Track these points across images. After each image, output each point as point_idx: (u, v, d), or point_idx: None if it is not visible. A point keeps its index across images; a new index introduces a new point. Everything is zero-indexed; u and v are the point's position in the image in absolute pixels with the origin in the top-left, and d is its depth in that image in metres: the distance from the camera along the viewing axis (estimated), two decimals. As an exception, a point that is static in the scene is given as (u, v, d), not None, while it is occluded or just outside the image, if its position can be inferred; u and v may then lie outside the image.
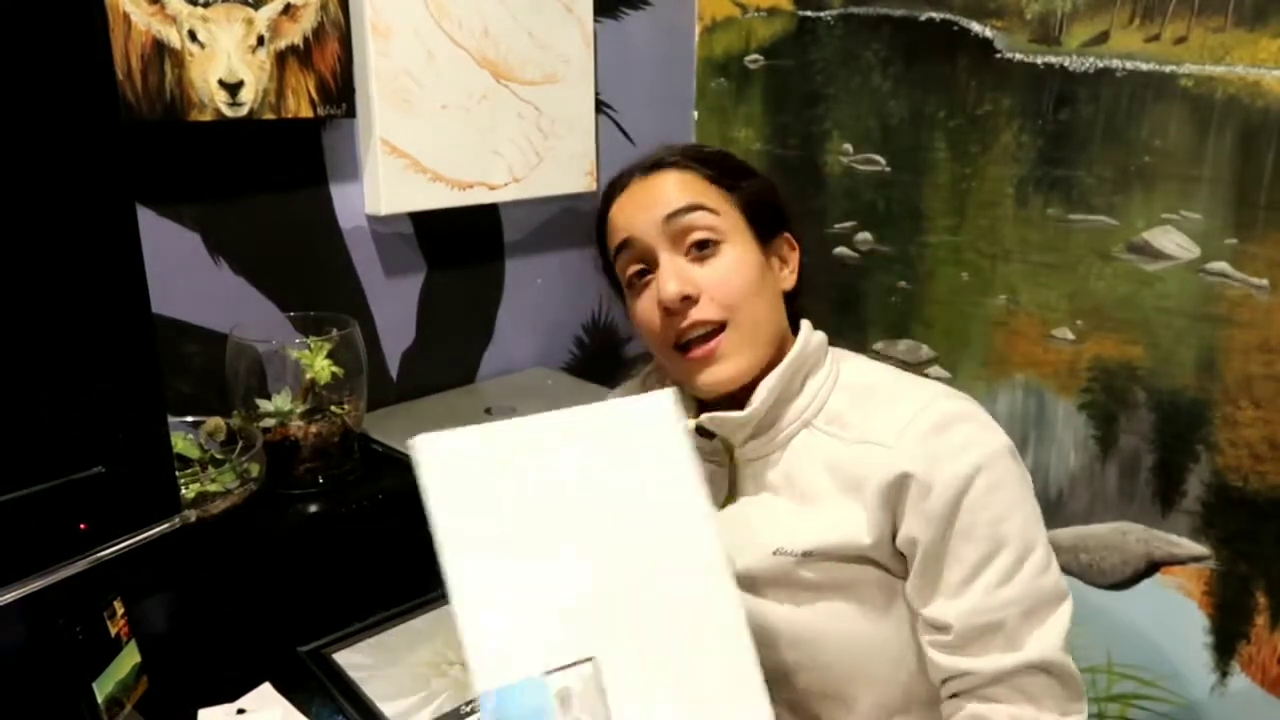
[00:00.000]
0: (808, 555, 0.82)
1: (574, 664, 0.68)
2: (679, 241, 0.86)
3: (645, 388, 0.97)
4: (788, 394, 0.87)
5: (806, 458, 0.86)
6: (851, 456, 0.83)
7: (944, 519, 0.78)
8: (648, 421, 0.76)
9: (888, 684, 0.84)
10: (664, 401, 0.76)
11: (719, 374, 0.86)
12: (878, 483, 0.80)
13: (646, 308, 0.88)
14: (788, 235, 0.93)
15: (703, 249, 0.85)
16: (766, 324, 0.87)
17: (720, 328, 0.85)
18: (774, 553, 0.83)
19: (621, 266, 0.91)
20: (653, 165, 0.90)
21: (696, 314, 0.85)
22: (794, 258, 0.93)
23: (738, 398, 0.87)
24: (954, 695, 0.81)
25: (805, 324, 0.90)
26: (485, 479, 0.71)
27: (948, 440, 0.79)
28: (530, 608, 0.69)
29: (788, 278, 0.92)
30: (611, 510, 0.72)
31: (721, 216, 0.86)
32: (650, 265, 0.88)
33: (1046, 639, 0.78)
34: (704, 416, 0.86)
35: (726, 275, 0.85)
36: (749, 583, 0.84)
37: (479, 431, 0.72)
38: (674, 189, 0.87)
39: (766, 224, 0.90)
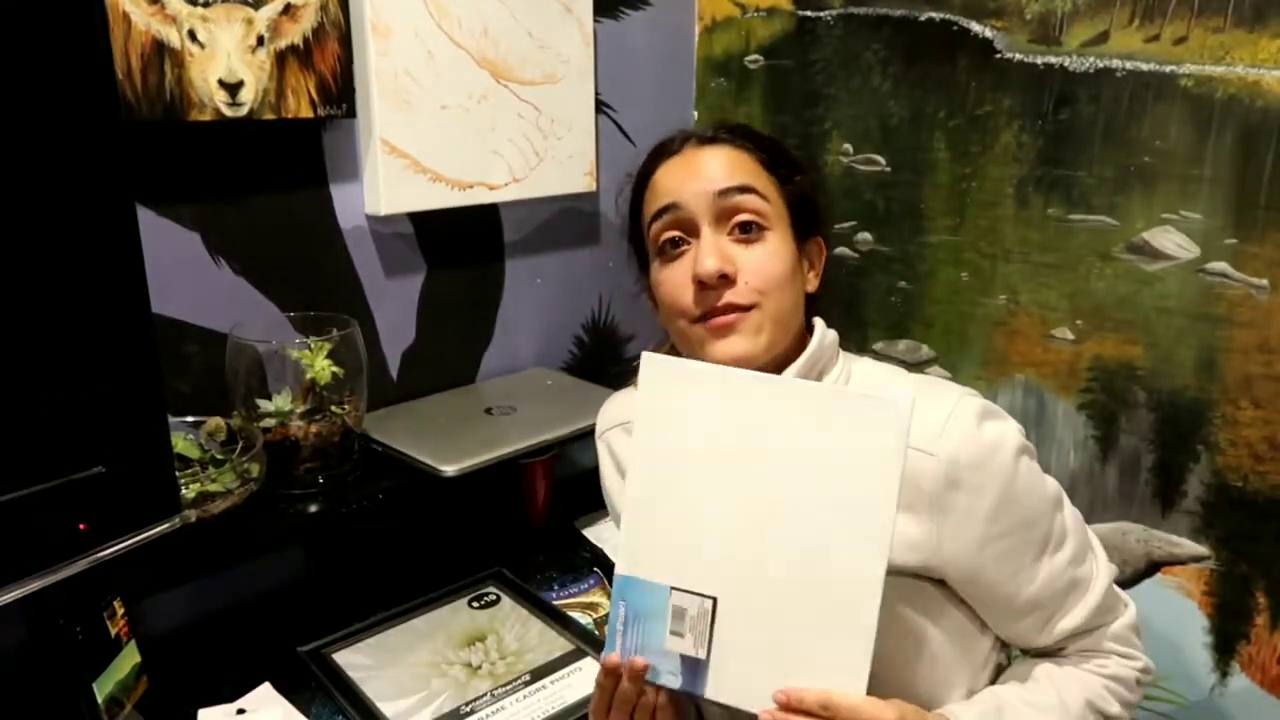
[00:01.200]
0: None
1: (698, 594, 0.76)
2: (724, 219, 0.86)
3: None
4: None
5: None
6: None
7: (998, 516, 0.81)
8: (873, 414, 0.74)
9: (909, 681, 0.84)
10: (901, 402, 0.73)
11: (734, 347, 0.85)
12: (926, 492, 0.80)
13: (676, 277, 0.87)
14: (820, 238, 0.93)
15: (746, 231, 0.85)
16: (791, 316, 0.87)
17: (748, 310, 0.85)
18: None
19: (656, 231, 0.88)
20: (711, 138, 0.89)
21: (730, 295, 0.84)
22: (820, 262, 0.93)
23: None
24: (1059, 652, 0.88)
25: (819, 322, 0.91)
26: (694, 406, 0.76)
27: (984, 439, 0.81)
28: (689, 530, 0.76)
29: (812, 280, 0.92)
30: (796, 478, 0.75)
31: (770, 204, 0.86)
32: (688, 235, 0.87)
33: (1100, 555, 0.88)
34: None
35: (765, 262, 0.85)
36: None
37: (705, 366, 0.78)
38: (731, 165, 0.87)
39: (806, 222, 0.90)
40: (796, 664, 0.74)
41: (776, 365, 0.87)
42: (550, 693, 1.11)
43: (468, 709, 1.08)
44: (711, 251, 0.84)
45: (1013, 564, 0.82)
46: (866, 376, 0.90)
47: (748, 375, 0.78)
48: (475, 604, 1.29)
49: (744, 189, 0.85)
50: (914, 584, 0.83)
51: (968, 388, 0.87)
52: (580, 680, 1.14)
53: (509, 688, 1.12)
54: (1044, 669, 0.87)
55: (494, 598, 1.31)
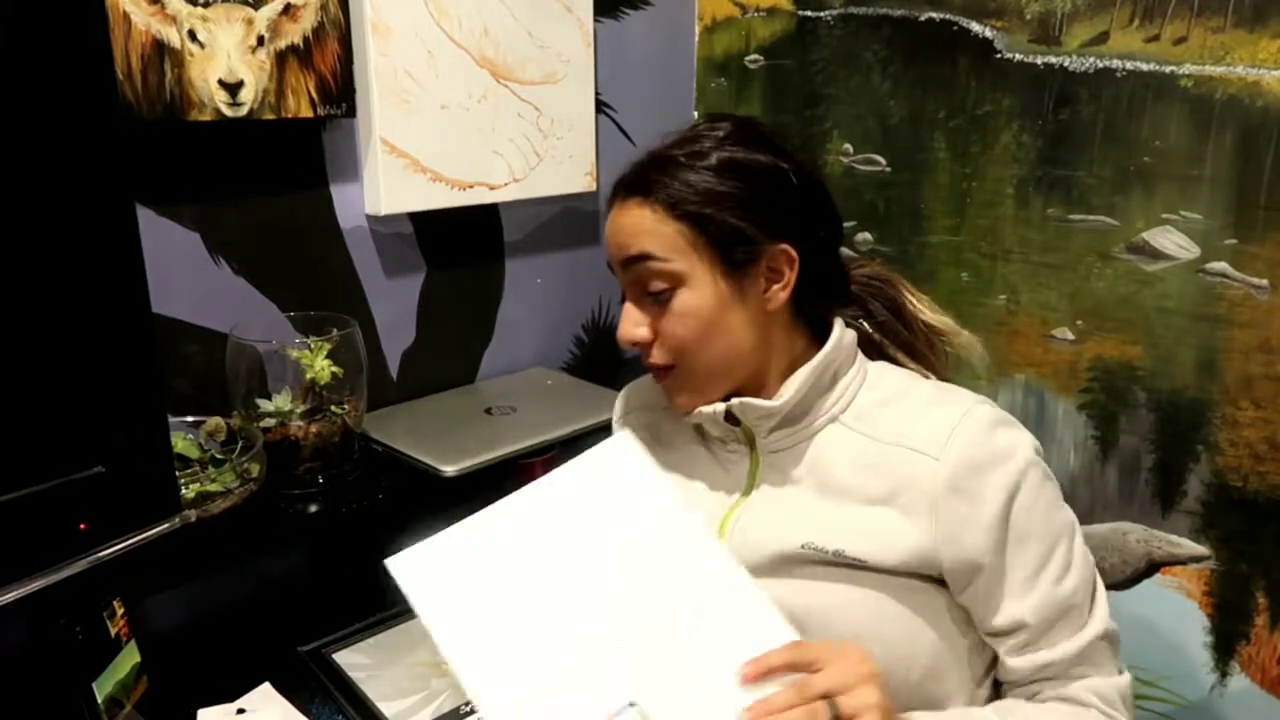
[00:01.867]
0: (839, 554, 0.82)
1: (622, 710, 0.69)
2: (639, 284, 0.86)
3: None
4: (818, 388, 0.87)
5: (832, 452, 0.86)
6: (889, 459, 0.83)
7: (998, 526, 0.79)
8: (612, 467, 0.79)
9: (901, 680, 0.83)
10: (623, 442, 0.80)
11: (678, 402, 0.89)
12: (926, 494, 0.80)
13: None
14: (784, 248, 0.84)
15: (657, 295, 0.85)
16: (726, 358, 0.85)
17: (671, 368, 0.87)
18: (802, 546, 0.84)
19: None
20: (624, 187, 0.87)
21: (651, 356, 0.87)
22: (789, 268, 0.85)
23: (768, 387, 0.88)
24: (1030, 684, 0.84)
25: (838, 322, 0.89)
26: (468, 577, 0.73)
27: (992, 447, 0.80)
28: (550, 683, 0.70)
29: (776, 295, 0.85)
30: (609, 563, 0.73)
31: (674, 261, 0.83)
32: None
33: (1100, 608, 0.83)
34: (734, 401, 0.86)
35: (675, 325, 0.85)
36: (776, 566, 0.85)
37: (448, 535, 0.75)
38: (631, 230, 0.85)
39: (739, 251, 0.84)
40: (748, 700, 0.70)
41: (784, 377, 0.87)
42: None
43: (467, 709, 1.08)
44: (625, 318, 0.87)
45: (1007, 578, 0.81)
46: (882, 377, 0.89)
47: (493, 511, 0.76)
48: None
49: (640, 258, 0.84)
50: (909, 583, 0.83)
51: (985, 397, 0.86)
52: None
53: None
54: (1022, 709, 0.83)
55: None
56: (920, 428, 0.83)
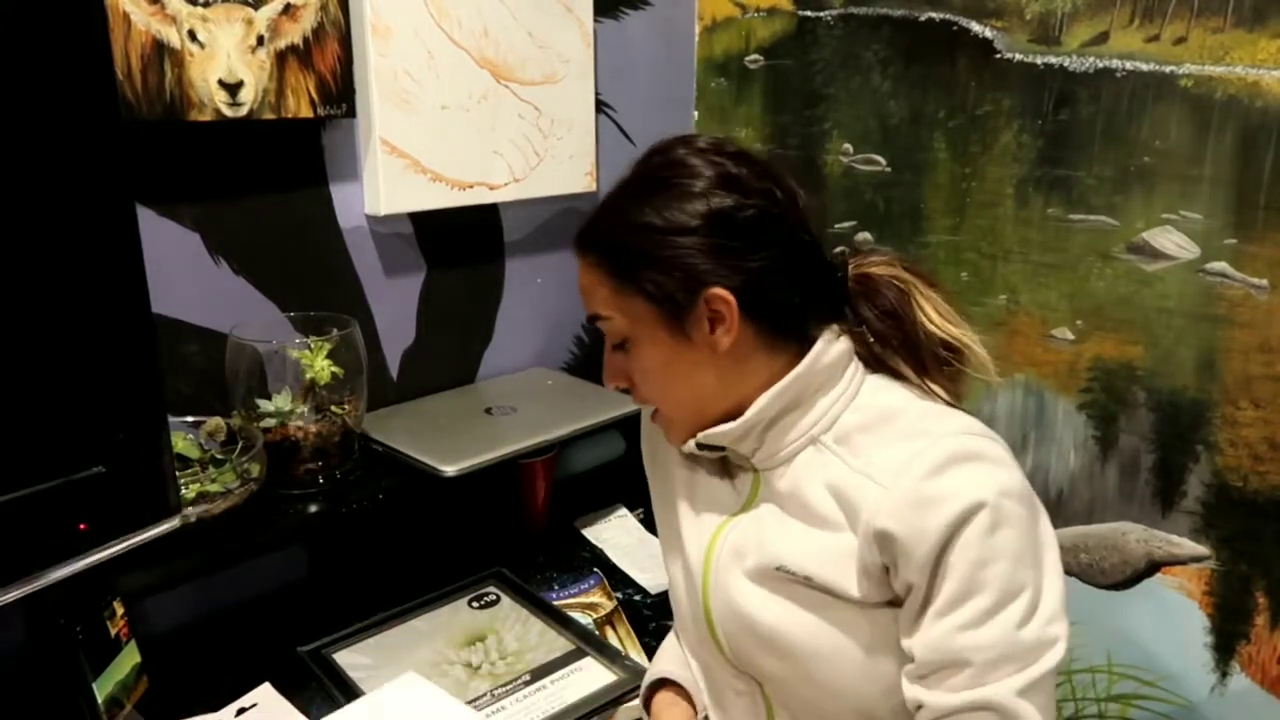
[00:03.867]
0: (808, 580, 0.81)
1: None
2: (607, 337, 0.88)
3: None
4: (789, 409, 0.84)
5: (809, 475, 0.83)
6: (852, 484, 0.80)
7: (929, 563, 0.75)
8: (407, 698, 0.98)
9: (867, 714, 0.83)
10: (409, 681, 1.01)
11: (671, 439, 0.91)
12: (868, 525, 0.77)
13: None
14: (716, 293, 0.81)
15: (620, 348, 0.87)
16: (696, 400, 0.86)
17: (655, 410, 0.90)
18: (777, 568, 0.83)
19: None
20: (576, 241, 0.88)
21: (636, 398, 0.90)
22: (728, 312, 0.81)
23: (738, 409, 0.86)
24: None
25: (821, 339, 0.84)
26: None
27: (942, 484, 0.75)
28: None
29: (721, 338, 0.82)
30: None
31: (616, 319, 0.85)
32: None
33: (1007, 683, 0.73)
34: (700, 436, 0.87)
35: (641, 377, 0.87)
36: (756, 576, 0.85)
37: None
38: (584, 288, 0.87)
39: (676, 303, 0.82)
40: None
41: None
42: (550, 693, 1.11)
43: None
44: (606, 367, 0.90)
45: (924, 607, 0.76)
46: (876, 396, 0.84)
47: None
48: (475, 604, 1.29)
49: (596, 318, 0.87)
50: (882, 613, 0.80)
51: (982, 428, 0.80)
52: (580, 680, 1.14)
53: (509, 688, 1.12)
54: None
55: (494, 598, 1.30)
56: (883, 455, 0.79)
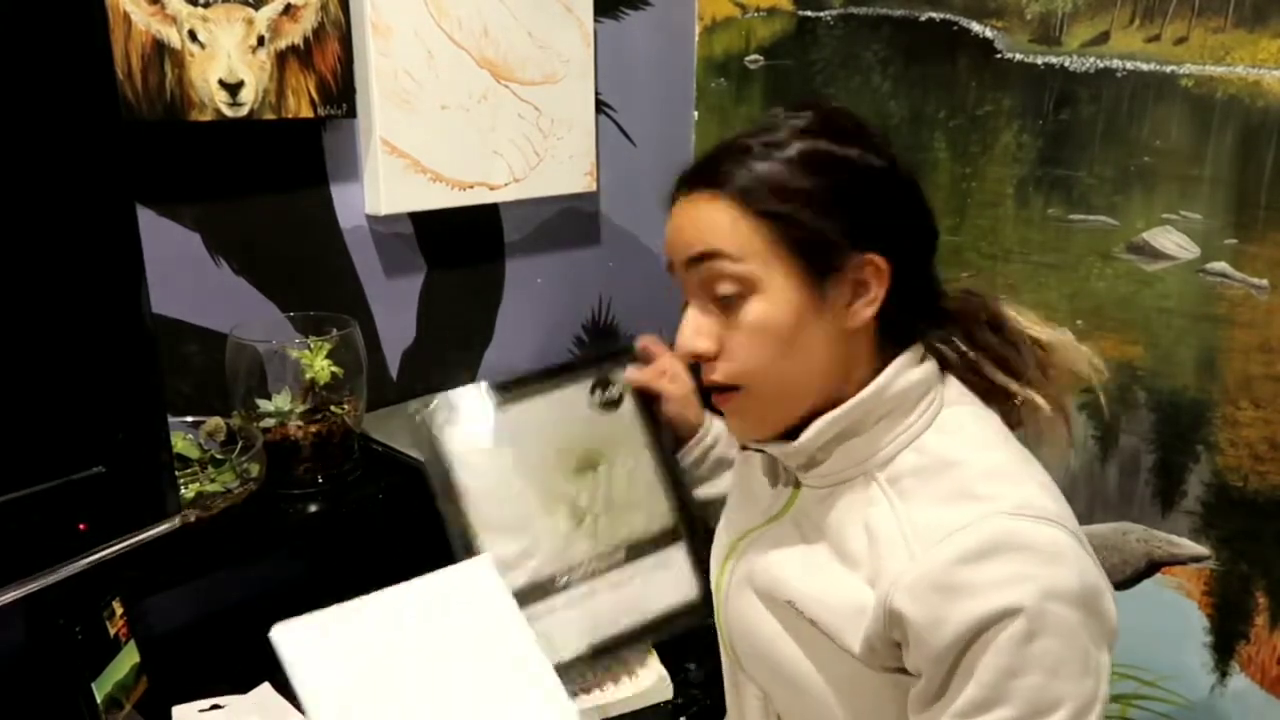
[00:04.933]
0: (814, 622, 0.76)
1: None
2: (704, 288, 0.75)
3: None
4: (848, 434, 0.76)
5: (851, 509, 0.76)
6: (888, 536, 0.72)
7: (947, 659, 0.67)
8: (470, 586, 0.89)
9: None
10: (480, 567, 0.90)
11: (739, 429, 0.80)
12: (885, 595, 0.69)
13: None
14: (873, 258, 0.74)
15: (726, 301, 0.74)
16: (796, 384, 0.75)
17: (735, 390, 0.76)
18: (788, 601, 0.78)
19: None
20: (691, 179, 0.77)
21: (712, 373, 0.77)
22: (878, 282, 0.74)
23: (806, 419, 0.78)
24: None
25: (899, 361, 0.76)
26: (339, 653, 0.81)
27: (976, 574, 0.66)
28: None
29: (861, 310, 0.75)
30: (449, 663, 0.83)
31: (748, 262, 0.73)
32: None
33: None
34: (758, 442, 0.81)
35: (745, 339, 0.74)
36: (764, 597, 0.81)
37: (326, 614, 0.83)
38: (697, 225, 0.75)
39: (826, 256, 0.73)
40: None
41: (832, 406, 0.76)
42: (635, 590, 1.03)
43: (562, 581, 1.00)
44: (686, 328, 0.76)
45: (935, 701, 0.69)
46: (942, 440, 0.75)
47: (368, 601, 0.85)
48: (598, 395, 1.10)
49: (708, 255, 0.74)
50: (886, 677, 0.73)
51: (1036, 501, 0.70)
52: (663, 583, 1.06)
53: (604, 562, 1.03)
54: None
55: (617, 396, 1.11)
56: (927, 515, 0.71)
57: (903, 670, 0.72)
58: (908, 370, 0.76)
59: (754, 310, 0.74)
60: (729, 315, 0.75)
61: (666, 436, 1.11)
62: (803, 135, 0.75)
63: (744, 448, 0.89)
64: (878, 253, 0.74)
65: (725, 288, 0.74)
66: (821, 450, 0.77)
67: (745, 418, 0.79)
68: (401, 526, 1.40)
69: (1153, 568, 1.32)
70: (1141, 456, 1.31)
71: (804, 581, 0.77)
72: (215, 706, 1.05)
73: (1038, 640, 0.65)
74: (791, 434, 0.78)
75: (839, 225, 0.73)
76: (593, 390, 1.10)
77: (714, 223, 0.74)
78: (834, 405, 0.76)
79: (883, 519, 0.73)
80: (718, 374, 0.76)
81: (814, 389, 0.76)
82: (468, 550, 0.99)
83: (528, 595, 0.99)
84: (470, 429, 1.04)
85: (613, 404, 1.10)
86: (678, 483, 1.11)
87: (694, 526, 1.11)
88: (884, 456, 0.76)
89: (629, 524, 1.07)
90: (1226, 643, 1.28)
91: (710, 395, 0.81)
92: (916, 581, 0.68)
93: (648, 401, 1.11)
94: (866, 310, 0.75)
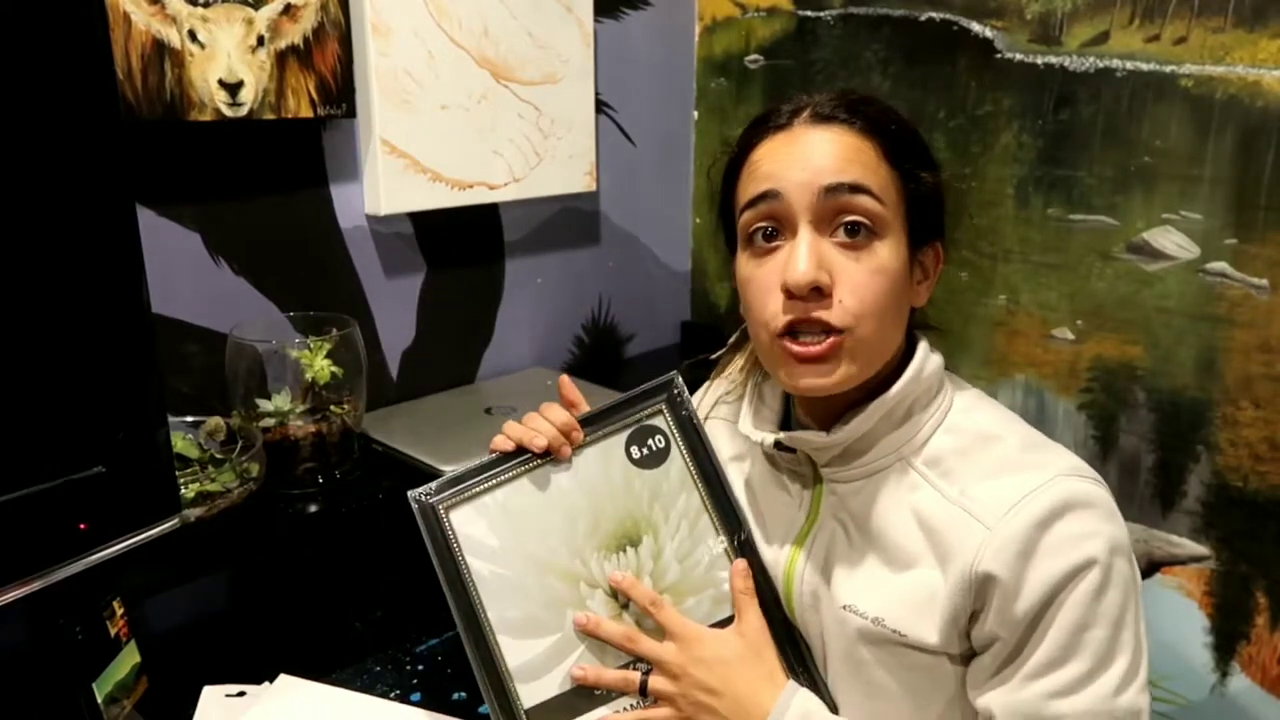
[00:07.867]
0: (878, 621, 0.74)
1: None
2: (828, 219, 0.72)
3: (749, 391, 0.87)
4: (886, 424, 0.76)
5: (894, 500, 0.75)
6: (947, 517, 0.72)
7: (1028, 619, 0.69)
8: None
9: None
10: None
11: (823, 381, 0.73)
12: (969, 567, 0.70)
13: (763, 279, 0.74)
14: (938, 245, 0.78)
15: (853, 235, 0.72)
16: (888, 342, 0.75)
17: (839, 334, 0.72)
18: (844, 606, 0.76)
19: (749, 219, 0.75)
20: (828, 115, 0.75)
21: (820, 311, 0.71)
22: (935, 272, 0.79)
23: (830, 403, 0.77)
24: None
25: (922, 346, 0.77)
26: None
27: (1055, 533, 0.68)
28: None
29: (922, 292, 0.78)
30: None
31: (886, 207, 0.72)
32: (784, 230, 0.73)
33: None
34: (784, 435, 0.78)
35: (869, 279, 0.71)
36: (836, 621, 0.78)
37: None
38: (847, 156, 0.72)
39: (925, 226, 0.76)
40: None
41: (863, 395, 0.75)
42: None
43: (603, 690, 0.80)
44: (807, 257, 0.71)
45: (1008, 664, 0.70)
46: (968, 417, 0.77)
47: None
48: (637, 451, 0.85)
49: (858, 188, 0.71)
50: (954, 668, 0.73)
51: (1082, 465, 0.73)
52: None
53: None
54: None
55: (661, 445, 0.85)
56: (987, 489, 0.71)
57: (969, 656, 0.74)
58: (932, 354, 0.78)
59: (882, 252, 0.73)
60: (852, 252, 0.72)
61: (728, 486, 0.84)
62: (901, 118, 0.78)
63: (735, 457, 0.86)
64: (940, 241, 0.79)
65: (863, 220, 0.72)
66: (861, 440, 0.76)
67: (839, 366, 0.72)
68: (401, 526, 1.40)
69: (1153, 568, 1.32)
70: (1141, 456, 1.31)
71: (858, 579, 0.76)
72: (241, 693, 1.05)
73: (1107, 593, 0.68)
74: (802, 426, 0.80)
75: (937, 208, 0.77)
76: (628, 445, 0.85)
77: (864, 158, 0.73)
78: (874, 384, 0.76)
79: (933, 504, 0.73)
80: (831, 313, 0.71)
81: (890, 352, 0.76)
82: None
83: (566, 705, 0.80)
84: (476, 512, 0.89)
85: (658, 457, 0.85)
86: (746, 544, 0.83)
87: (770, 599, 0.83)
88: (918, 442, 0.76)
89: (688, 613, 0.81)
90: (1227, 643, 1.28)
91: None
92: (1001, 548, 0.69)
93: (701, 441, 0.84)
94: (925, 293, 0.78)
